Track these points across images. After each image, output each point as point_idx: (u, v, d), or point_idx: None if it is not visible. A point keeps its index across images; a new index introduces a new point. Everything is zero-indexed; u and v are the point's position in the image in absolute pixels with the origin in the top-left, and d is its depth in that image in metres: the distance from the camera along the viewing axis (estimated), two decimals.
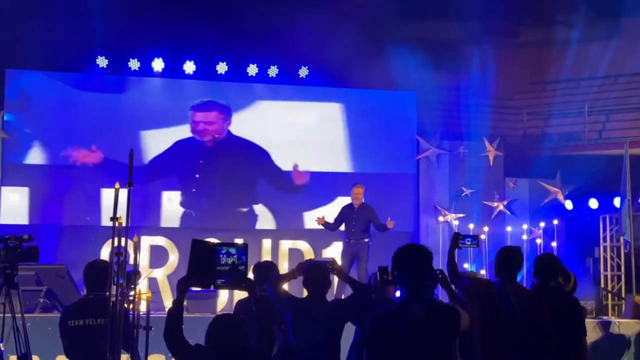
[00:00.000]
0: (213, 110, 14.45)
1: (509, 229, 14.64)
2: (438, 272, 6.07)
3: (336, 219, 12.73)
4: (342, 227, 12.68)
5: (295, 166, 14.47)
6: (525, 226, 14.70)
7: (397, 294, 6.22)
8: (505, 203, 15.12)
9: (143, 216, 13.66)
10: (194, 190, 14.29)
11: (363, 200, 12.69)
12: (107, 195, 13.31)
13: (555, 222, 14.53)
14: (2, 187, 13.58)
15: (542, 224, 14.66)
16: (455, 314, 4.52)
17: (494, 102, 15.51)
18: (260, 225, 14.40)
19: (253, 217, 14.46)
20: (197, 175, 14.32)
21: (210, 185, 14.30)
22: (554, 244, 14.15)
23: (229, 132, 14.50)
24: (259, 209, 14.49)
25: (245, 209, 14.47)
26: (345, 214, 12.68)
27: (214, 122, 14.42)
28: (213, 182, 14.31)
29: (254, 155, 14.49)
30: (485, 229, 14.28)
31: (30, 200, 13.66)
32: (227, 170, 14.34)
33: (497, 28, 14.91)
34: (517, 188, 15.30)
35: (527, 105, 16.52)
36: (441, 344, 4.40)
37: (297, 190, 14.51)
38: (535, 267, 6.55)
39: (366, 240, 12.51)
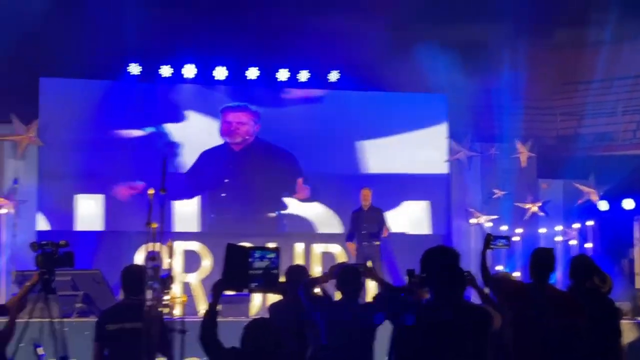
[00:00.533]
0: (245, 111, 14.55)
1: (542, 230, 14.55)
2: (466, 273, 6.07)
3: (350, 226, 12.87)
4: None
5: (300, 181, 14.49)
6: (559, 228, 14.60)
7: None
8: (539, 204, 15.02)
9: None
10: (223, 195, 14.36)
11: (372, 203, 12.82)
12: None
13: (590, 223, 14.42)
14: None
15: (576, 225, 14.55)
16: (485, 316, 4.51)
17: (526, 103, 15.41)
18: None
19: (284, 221, 14.52)
20: (226, 180, 14.39)
21: (241, 190, 14.35)
22: (588, 245, 14.05)
23: (257, 137, 14.59)
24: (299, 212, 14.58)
25: (274, 214, 14.52)
26: (356, 217, 12.79)
27: (246, 123, 14.52)
28: (244, 187, 14.37)
29: (282, 160, 14.54)
30: (518, 230, 14.20)
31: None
32: (257, 174, 14.40)
33: (529, 29, 14.82)
34: (550, 189, 15.20)
35: (560, 105, 16.42)
36: (471, 345, 4.39)
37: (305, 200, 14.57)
38: (570, 269, 6.52)
39: (377, 243, 12.59)
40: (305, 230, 14.42)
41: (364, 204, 12.83)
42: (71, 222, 13.79)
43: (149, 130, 14.23)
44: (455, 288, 4.51)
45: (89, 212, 13.91)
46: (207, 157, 14.37)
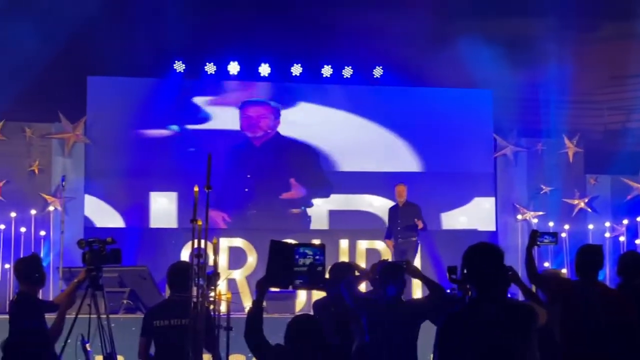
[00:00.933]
0: (264, 105, 14.57)
1: (590, 226, 14.36)
2: (508, 269, 6.01)
3: (388, 224, 12.98)
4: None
5: (292, 180, 14.39)
6: (607, 224, 14.41)
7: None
8: (586, 200, 14.82)
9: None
10: (246, 190, 14.36)
11: (407, 199, 12.85)
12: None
13: (639, 219, 14.19)
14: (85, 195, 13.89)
15: (625, 221, 14.34)
16: (530, 312, 4.43)
17: (572, 98, 15.20)
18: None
19: (307, 218, 14.49)
20: (248, 176, 14.40)
21: (263, 185, 14.30)
22: (637, 241, 13.84)
23: (278, 133, 14.58)
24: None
25: (298, 210, 14.46)
26: (392, 214, 12.88)
27: (266, 117, 14.52)
28: (266, 182, 14.31)
29: (304, 155, 14.50)
30: (566, 227, 14.07)
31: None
32: (279, 169, 14.38)
33: (575, 21, 14.61)
34: (598, 185, 14.98)
35: (608, 100, 16.15)
36: (515, 343, 4.33)
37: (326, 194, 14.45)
38: (619, 266, 6.43)
39: (414, 238, 12.64)
40: (350, 227, 14.36)
41: (399, 200, 12.92)
42: (118, 219, 13.94)
43: (195, 127, 14.29)
44: (498, 285, 4.45)
45: (137, 208, 14.04)
46: (228, 153, 14.31)
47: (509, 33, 14.40)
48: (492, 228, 14.65)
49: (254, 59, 14.38)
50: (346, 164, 14.60)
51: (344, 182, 14.47)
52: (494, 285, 4.41)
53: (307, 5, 14.07)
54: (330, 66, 14.58)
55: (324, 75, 14.63)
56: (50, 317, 6.76)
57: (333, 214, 14.51)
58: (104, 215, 13.86)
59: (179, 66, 14.24)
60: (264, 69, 14.45)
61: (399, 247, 12.63)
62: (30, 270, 6.62)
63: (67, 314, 6.66)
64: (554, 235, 6.90)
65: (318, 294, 7.52)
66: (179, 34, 13.55)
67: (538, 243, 6.64)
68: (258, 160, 14.42)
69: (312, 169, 14.57)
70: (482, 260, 4.43)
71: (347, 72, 14.65)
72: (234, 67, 14.37)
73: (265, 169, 14.40)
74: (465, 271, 4.50)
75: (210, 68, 14.35)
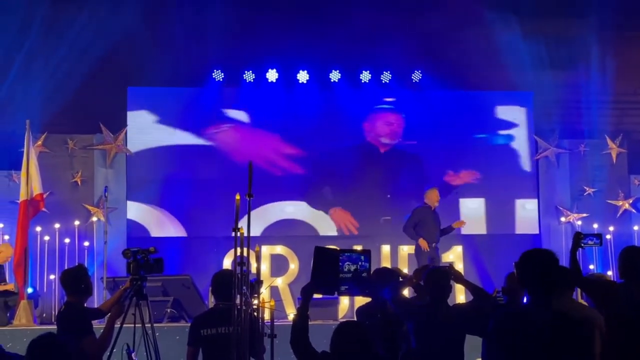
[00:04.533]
0: (399, 113, 14.61)
1: (635, 227, 14.18)
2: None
3: (413, 223, 12.67)
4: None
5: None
6: None
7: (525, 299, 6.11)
8: (631, 201, 14.62)
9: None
10: (388, 196, 14.40)
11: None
12: None
13: None
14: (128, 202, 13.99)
15: None
16: (581, 323, 4.41)
17: (615, 98, 15.00)
18: None
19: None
20: (388, 195, 14.40)
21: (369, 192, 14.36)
22: None
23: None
24: None
25: (389, 217, 14.43)
26: (427, 215, 12.63)
27: (402, 125, 14.57)
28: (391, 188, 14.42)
29: (409, 162, 14.53)
30: (611, 228, 13.90)
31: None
32: (400, 176, 14.42)
33: (615, 22, 14.44)
34: None
35: None
36: (563, 354, 4.28)
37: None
38: None
39: (438, 244, 12.67)
40: (390, 232, 14.27)
41: (435, 204, 12.70)
42: (159, 228, 14.03)
43: (235, 134, 14.32)
44: (552, 292, 4.41)
45: (178, 217, 14.12)
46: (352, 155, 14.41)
47: (549, 34, 14.28)
48: (536, 231, 14.52)
49: (292, 66, 14.39)
50: None
51: None
52: (546, 293, 4.36)
53: (344, 11, 14.06)
54: (368, 71, 14.55)
55: (363, 81, 14.59)
56: (98, 327, 6.81)
57: None
58: (146, 224, 13.96)
59: (218, 75, 14.30)
60: (302, 76, 14.45)
61: (431, 252, 12.49)
62: (76, 281, 6.68)
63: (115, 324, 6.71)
64: (599, 236, 6.77)
65: (361, 300, 7.50)
66: (217, 43, 13.64)
67: (582, 245, 6.53)
68: (384, 167, 14.44)
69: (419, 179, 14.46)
70: (535, 267, 4.41)
71: (386, 76, 14.60)
72: (272, 75, 14.40)
73: (390, 176, 14.43)
74: (522, 275, 4.49)
75: (249, 76, 14.39)
